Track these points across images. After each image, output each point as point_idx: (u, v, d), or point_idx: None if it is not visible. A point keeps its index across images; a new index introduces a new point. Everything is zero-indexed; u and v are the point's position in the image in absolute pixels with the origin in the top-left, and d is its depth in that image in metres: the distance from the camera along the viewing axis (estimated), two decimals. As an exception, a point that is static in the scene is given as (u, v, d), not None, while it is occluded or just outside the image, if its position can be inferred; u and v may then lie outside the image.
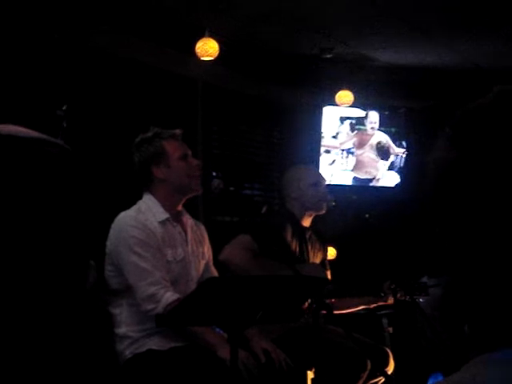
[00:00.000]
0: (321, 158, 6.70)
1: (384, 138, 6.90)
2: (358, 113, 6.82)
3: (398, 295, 4.29)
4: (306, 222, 4.39)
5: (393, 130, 6.94)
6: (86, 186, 1.18)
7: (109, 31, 5.12)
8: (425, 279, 4.36)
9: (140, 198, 3.62)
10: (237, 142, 6.60)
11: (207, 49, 5.02)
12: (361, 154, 6.85)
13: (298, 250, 4.26)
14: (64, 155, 1.16)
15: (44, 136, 1.15)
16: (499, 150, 0.84)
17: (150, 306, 3.33)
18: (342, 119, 6.79)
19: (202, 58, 5.09)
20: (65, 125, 3.63)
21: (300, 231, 4.32)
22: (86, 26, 4.92)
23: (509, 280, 0.83)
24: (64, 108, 3.82)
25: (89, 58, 4.99)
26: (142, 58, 5.42)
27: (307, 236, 4.37)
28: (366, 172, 6.85)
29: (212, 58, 5.09)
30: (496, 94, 0.91)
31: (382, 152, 6.86)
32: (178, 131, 3.64)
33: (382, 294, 4.33)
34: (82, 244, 1.15)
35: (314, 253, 4.39)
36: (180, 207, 3.64)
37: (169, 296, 3.32)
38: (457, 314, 0.91)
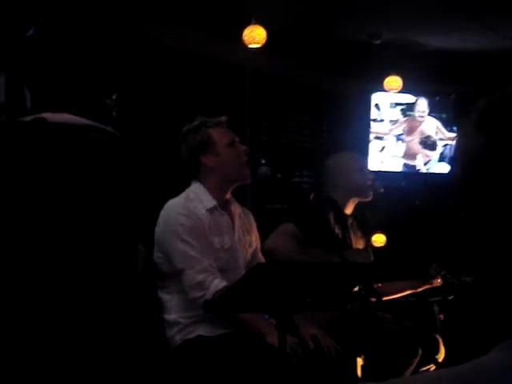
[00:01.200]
0: (370, 145, 6.66)
1: (434, 124, 6.83)
2: (408, 99, 6.76)
3: (447, 275, 4.24)
4: (349, 210, 4.36)
5: (443, 115, 6.87)
6: (136, 173, 1.19)
7: (156, 21, 5.15)
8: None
9: (188, 185, 3.63)
10: (285, 129, 6.60)
11: (254, 36, 5.02)
12: (411, 141, 6.79)
13: (340, 237, 4.24)
14: (113, 142, 1.17)
15: (93, 123, 1.17)
16: None
17: (198, 294, 3.34)
18: (392, 105, 6.74)
19: (249, 46, 5.09)
20: (115, 114, 3.66)
21: (342, 219, 4.29)
22: (135, 16, 4.96)
23: None
24: (114, 97, 3.85)
25: (137, 47, 5.03)
26: (189, 47, 5.44)
27: (349, 223, 4.35)
28: (418, 158, 6.79)
29: (259, 45, 5.09)
30: None
31: (428, 144, 6.79)
32: (223, 118, 3.64)
33: (429, 276, 4.28)
34: (131, 229, 1.16)
35: (356, 240, 4.37)
36: (228, 195, 3.64)
37: (217, 283, 3.33)
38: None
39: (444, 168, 6.78)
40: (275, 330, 3.13)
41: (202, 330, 3.42)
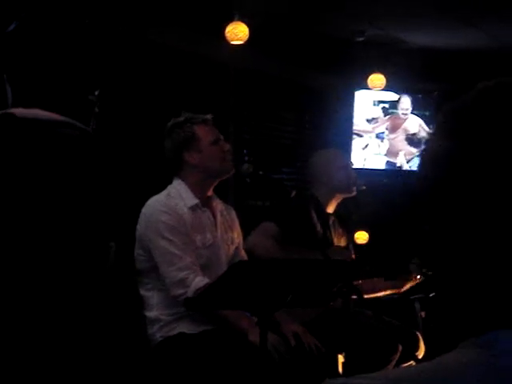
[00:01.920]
0: (353, 142, 6.68)
1: (417, 122, 6.85)
2: (391, 96, 6.78)
3: (427, 272, 4.24)
4: (331, 208, 4.37)
5: (427, 113, 6.90)
6: (108, 169, 1.18)
7: (139, 16, 5.13)
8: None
9: (170, 182, 3.63)
10: (268, 126, 6.61)
11: (237, 33, 5.02)
12: (393, 138, 6.82)
13: (322, 234, 4.24)
14: (84, 138, 1.16)
15: (64, 118, 1.16)
16: (501, 141, 0.83)
17: (179, 291, 3.34)
18: (376, 103, 6.76)
19: (231, 42, 5.09)
20: (97, 110, 3.65)
21: (323, 217, 4.29)
22: (117, 11, 4.94)
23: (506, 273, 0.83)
24: (96, 93, 3.84)
25: (119, 42, 5.01)
26: (172, 43, 5.44)
27: (330, 222, 4.35)
28: (400, 155, 6.82)
29: (242, 42, 5.08)
30: (496, 83, 0.89)
31: (414, 142, 6.82)
32: (209, 116, 3.64)
33: (409, 272, 4.27)
34: (101, 226, 1.15)
35: (337, 238, 4.37)
36: (210, 192, 3.64)
37: (198, 281, 3.33)
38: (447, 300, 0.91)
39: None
40: (257, 328, 3.15)
41: (183, 327, 3.42)
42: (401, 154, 6.82)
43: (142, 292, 3.53)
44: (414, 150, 6.83)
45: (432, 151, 0.89)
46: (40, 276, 1.09)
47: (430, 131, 0.97)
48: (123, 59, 5.04)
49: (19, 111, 1.14)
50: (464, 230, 0.84)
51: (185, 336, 3.41)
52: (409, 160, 6.83)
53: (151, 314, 3.49)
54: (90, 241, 1.13)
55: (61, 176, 1.10)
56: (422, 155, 0.92)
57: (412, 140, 6.83)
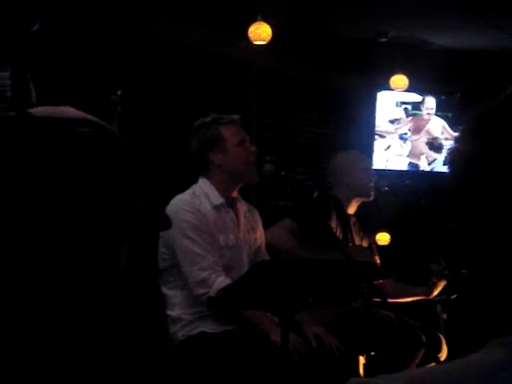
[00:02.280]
0: (375, 143, 6.66)
1: (440, 124, 6.82)
2: (414, 98, 6.75)
3: (449, 274, 4.23)
4: (351, 209, 4.36)
5: (449, 114, 6.86)
6: (130, 168, 1.18)
7: (162, 16, 5.15)
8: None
9: (196, 181, 3.63)
10: (290, 127, 6.60)
11: (260, 33, 5.02)
12: (416, 140, 6.79)
13: (342, 236, 4.24)
14: (105, 136, 1.16)
15: (84, 116, 1.16)
16: None
17: (201, 291, 3.35)
18: (398, 104, 6.73)
19: (254, 42, 5.09)
20: (120, 109, 3.67)
21: (344, 218, 4.29)
22: (140, 11, 4.95)
23: None
24: (119, 93, 3.86)
25: (143, 42, 5.03)
26: (196, 43, 5.45)
27: (351, 223, 4.34)
28: (422, 158, 6.79)
29: (265, 42, 5.08)
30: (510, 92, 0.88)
31: (435, 146, 6.78)
32: (236, 116, 3.64)
33: (435, 280, 4.26)
34: (118, 225, 1.15)
35: (358, 239, 4.36)
36: (235, 193, 3.64)
37: (221, 281, 3.33)
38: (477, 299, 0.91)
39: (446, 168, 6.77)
40: (279, 328, 3.15)
41: (205, 327, 3.43)
42: (422, 156, 6.79)
43: (165, 290, 3.54)
44: (435, 155, 6.79)
45: (458, 154, 0.89)
46: (53, 274, 1.09)
47: (456, 134, 0.97)
48: (146, 59, 5.06)
49: (38, 110, 1.14)
50: (490, 230, 0.84)
51: (206, 335, 3.41)
52: (431, 162, 6.80)
53: (173, 312, 3.50)
54: (104, 240, 1.13)
55: (79, 175, 1.10)
56: (449, 157, 0.92)
57: (433, 144, 6.79)
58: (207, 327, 3.43)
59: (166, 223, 1.26)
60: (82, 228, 1.06)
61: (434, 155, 6.80)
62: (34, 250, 1.05)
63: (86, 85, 4.44)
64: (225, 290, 3.05)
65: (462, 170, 0.88)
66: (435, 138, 6.80)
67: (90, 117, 1.14)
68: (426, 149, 6.80)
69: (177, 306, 3.50)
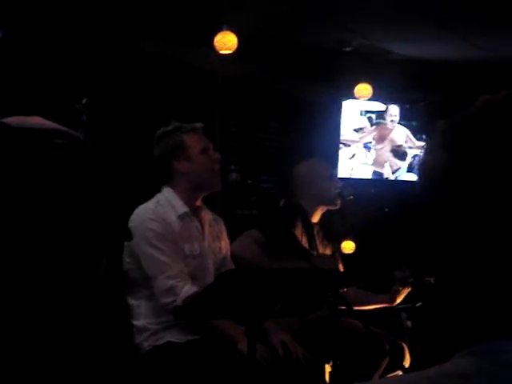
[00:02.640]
0: (340, 152, 6.69)
1: (404, 133, 6.87)
2: (378, 106, 6.80)
3: (414, 281, 4.25)
4: (315, 218, 4.36)
5: (413, 123, 6.92)
6: (104, 180, 1.18)
7: (127, 25, 5.13)
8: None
9: (158, 191, 3.62)
10: (255, 136, 6.61)
11: (226, 42, 5.02)
12: (380, 149, 6.83)
13: (307, 244, 4.24)
14: (80, 148, 1.16)
15: (59, 127, 1.15)
16: (498, 157, 0.84)
17: (168, 300, 3.34)
18: (362, 113, 6.77)
19: (220, 52, 5.09)
20: (85, 118, 3.65)
21: (308, 226, 4.29)
22: (105, 19, 4.94)
23: (503, 281, 0.83)
24: (84, 102, 3.84)
25: (107, 51, 5.01)
26: (161, 52, 5.44)
27: (315, 231, 4.35)
28: (386, 166, 6.84)
29: (231, 52, 5.09)
30: (484, 102, 0.90)
31: (399, 154, 6.84)
32: (198, 125, 3.64)
33: (398, 288, 4.28)
34: (96, 236, 1.15)
35: (322, 247, 4.37)
36: (199, 202, 3.64)
37: (187, 289, 3.33)
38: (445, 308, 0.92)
39: (413, 177, 6.83)
40: (245, 337, 3.15)
41: (171, 336, 3.42)
42: (386, 164, 6.84)
43: (130, 301, 3.52)
44: (400, 163, 6.85)
45: (430, 163, 0.90)
46: (28, 285, 1.09)
47: (420, 143, 0.99)
48: (111, 68, 5.04)
49: (12, 120, 1.13)
50: (463, 238, 0.85)
51: (172, 345, 3.40)
52: (395, 170, 6.85)
53: (139, 322, 3.48)
54: (83, 251, 1.13)
55: (55, 187, 1.10)
56: (419, 167, 0.93)
57: (397, 152, 6.85)
58: (173, 337, 3.42)
59: (128, 235, 1.27)
60: (59, 239, 1.06)
61: (398, 163, 6.85)
62: (14, 260, 1.04)
63: (50, 94, 4.41)
64: (191, 300, 3.05)
65: (435, 178, 0.89)
66: (399, 147, 6.85)
67: (62, 128, 1.14)
68: (390, 157, 6.85)
69: (142, 315, 3.48)
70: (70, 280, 1.11)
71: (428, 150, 0.92)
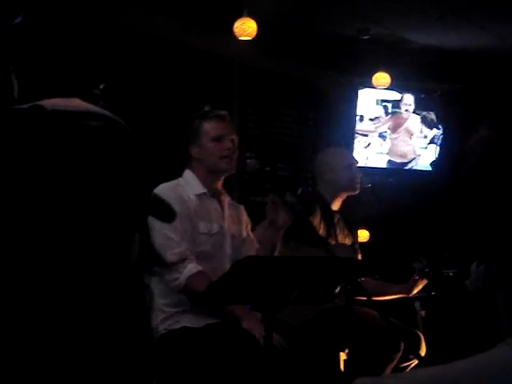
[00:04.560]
0: (355, 141, 6.68)
1: (418, 122, 6.86)
2: (394, 96, 6.78)
3: (430, 272, 4.26)
4: (336, 206, 4.37)
5: (429, 112, 6.89)
6: (138, 161, 1.18)
7: (147, 11, 5.13)
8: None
9: (179, 175, 3.67)
10: (272, 123, 6.60)
11: (245, 28, 5.01)
12: (395, 138, 6.81)
13: (326, 233, 4.24)
14: (115, 129, 1.16)
15: (96, 109, 1.16)
16: None
17: (172, 276, 3.37)
18: (378, 102, 6.75)
19: (239, 38, 5.08)
20: (102, 104, 3.65)
21: (329, 215, 4.30)
22: (125, 6, 4.93)
23: None
24: (101, 87, 3.84)
25: (126, 37, 5.01)
26: (180, 38, 5.44)
27: (335, 220, 4.35)
28: (401, 155, 6.82)
29: (250, 38, 5.07)
30: None
31: (427, 122, 6.81)
32: (221, 112, 3.67)
33: (416, 278, 4.29)
34: (130, 218, 1.16)
35: (342, 237, 4.37)
36: (219, 186, 3.66)
37: (192, 267, 3.36)
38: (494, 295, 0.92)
39: (430, 157, 6.83)
40: (251, 315, 3.18)
41: (187, 321, 3.42)
42: (402, 153, 6.82)
43: (147, 281, 3.53)
44: (417, 151, 6.84)
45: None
46: (64, 267, 1.09)
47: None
48: (129, 53, 5.04)
49: (50, 102, 1.14)
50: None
51: (188, 330, 3.41)
52: (410, 160, 6.84)
53: (153, 304, 3.50)
54: (119, 233, 1.13)
55: (91, 168, 1.10)
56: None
57: (425, 120, 6.82)
58: (189, 322, 3.43)
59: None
60: (96, 220, 1.06)
61: (412, 153, 6.84)
62: (47, 241, 1.05)
63: (67, 79, 4.41)
64: (209, 286, 3.05)
65: (481, 154, 0.93)
66: (413, 136, 6.83)
67: (100, 110, 1.14)
68: (404, 146, 6.83)
69: (156, 295, 3.50)
70: (107, 258, 1.12)
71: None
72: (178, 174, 3.68)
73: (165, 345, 3.43)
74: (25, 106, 1.16)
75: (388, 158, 6.80)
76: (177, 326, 3.43)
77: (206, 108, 3.66)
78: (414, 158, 6.84)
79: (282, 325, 3.47)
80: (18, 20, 3.96)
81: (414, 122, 6.85)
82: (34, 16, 4.18)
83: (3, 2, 3.89)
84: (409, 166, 6.82)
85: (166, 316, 3.46)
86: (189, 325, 3.42)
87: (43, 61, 4.32)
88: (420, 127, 6.86)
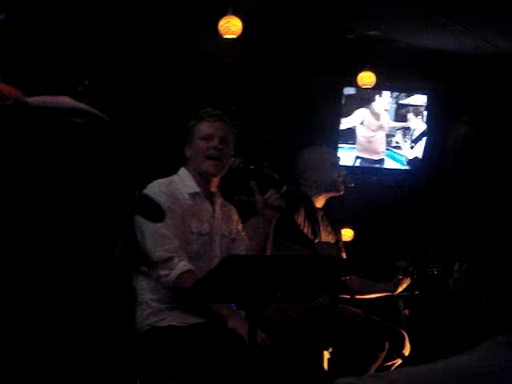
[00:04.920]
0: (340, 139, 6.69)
1: (399, 123, 6.88)
2: (377, 95, 6.79)
3: (413, 271, 4.27)
4: (319, 203, 4.37)
5: (413, 111, 6.93)
6: (123, 157, 1.17)
7: (131, 7, 5.11)
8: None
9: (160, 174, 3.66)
10: (256, 122, 6.59)
11: (230, 27, 5.00)
12: (372, 136, 6.82)
13: (310, 231, 4.24)
14: (92, 125, 1.15)
15: (80, 106, 1.15)
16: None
17: (163, 272, 3.36)
18: (363, 101, 6.76)
19: (224, 36, 5.06)
20: (86, 101, 3.63)
21: (312, 212, 4.30)
22: (108, 2, 4.91)
23: None
24: (86, 84, 3.83)
25: (110, 33, 4.99)
26: (163, 35, 5.41)
27: (319, 217, 4.35)
28: (379, 153, 6.83)
29: (235, 36, 5.06)
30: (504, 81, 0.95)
31: (392, 142, 6.85)
32: (215, 112, 3.69)
33: (401, 277, 4.30)
34: (116, 215, 1.15)
35: (326, 234, 4.37)
36: (213, 188, 3.66)
37: (183, 265, 3.35)
38: (477, 296, 0.92)
39: (400, 165, 6.86)
40: (237, 315, 3.20)
41: (173, 319, 3.41)
42: (381, 152, 6.84)
43: (135, 276, 3.53)
44: (395, 150, 6.86)
45: (454, 136, 0.95)
46: (50, 267, 1.08)
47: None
48: (113, 50, 5.02)
49: (34, 99, 1.13)
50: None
51: (173, 329, 3.40)
52: (382, 159, 6.86)
53: (140, 298, 3.49)
54: (104, 230, 1.12)
55: (75, 165, 1.09)
56: (451, 139, 0.99)
57: (389, 139, 6.85)
58: (174, 320, 3.42)
59: (161, 215, 1.26)
60: (81, 217, 1.05)
61: (394, 149, 6.86)
62: (32, 241, 1.04)
63: (51, 76, 4.39)
64: (194, 283, 3.05)
65: (459, 153, 0.94)
66: (391, 135, 6.86)
67: (86, 107, 1.13)
68: (382, 145, 6.84)
69: (143, 290, 3.49)
70: (89, 259, 1.11)
71: (453, 130, 0.97)
72: (168, 174, 3.68)
73: (149, 341, 3.42)
74: (9, 102, 1.15)
75: (366, 156, 6.81)
76: (162, 324, 3.42)
77: (206, 110, 3.68)
78: (392, 156, 6.86)
79: (266, 323, 3.47)
80: (1, 17, 3.93)
81: (387, 118, 6.87)
82: (18, 13, 4.15)
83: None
84: (385, 165, 6.84)
85: (152, 311, 3.44)
86: (174, 323, 3.41)
87: (27, 58, 4.29)
88: (399, 126, 6.89)
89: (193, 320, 3.40)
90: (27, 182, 1.04)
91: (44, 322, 1.09)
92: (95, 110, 1.17)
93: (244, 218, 4.09)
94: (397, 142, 6.88)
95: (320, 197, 4.36)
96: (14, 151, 1.07)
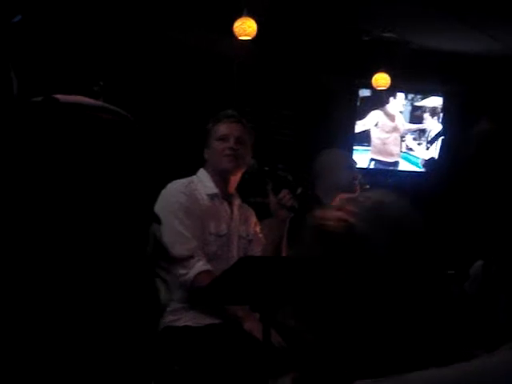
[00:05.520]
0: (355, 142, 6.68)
1: (404, 123, 6.87)
2: (393, 97, 6.78)
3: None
4: None
5: (428, 114, 6.91)
6: (149, 156, 1.18)
7: (147, 9, 5.12)
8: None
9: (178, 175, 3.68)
10: (270, 123, 6.59)
11: (245, 28, 5.00)
12: (387, 138, 6.81)
13: None
14: (126, 124, 1.16)
15: (105, 104, 1.16)
16: None
17: (181, 271, 3.36)
18: (378, 103, 6.75)
19: (239, 38, 5.06)
20: (102, 100, 3.64)
21: None
22: (124, 4, 4.93)
23: None
24: (101, 84, 3.83)
25: (125, 34, 5.00)
26: (178, 36, 5.42)
27: None
28: (393, 155, 6.82)
29: (250, 38, 5.06)
30: None
31: (406, 145, 6.83)
32: (231, 113, 3.71)
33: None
34: (144, 212, 1.15)
35: None
36: (231, 189, 3.66)
37: (201, 265, 3.36)
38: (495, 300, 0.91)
39: (428, 153, 6.84)
40: (252, 317, 3.19)
41: (189, 320, 3.41)
42: (396, 154, 6.82)
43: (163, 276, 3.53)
44: (410, 151, 6.84)
45: (477, 134, 0.95)
46: (81, 262, 1.09)
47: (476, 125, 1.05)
48: (128, 51, 5.03)
49: (62, 97, 1.14)
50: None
51: (189, 329, 3.40)
52: (396, 162, 6.85)
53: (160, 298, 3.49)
54: (133, 227, 1.13)
55: (104, 161, 1.10)
56: (471, 138, 0.99)
57: (404, 140, 6.83)
58: (191, 320, 3.42)
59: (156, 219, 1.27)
60: (111, 213, 1.06)
61: (406, 153, 6.86)
62: (61, 232, 1.04)
63: (67, 76, 4.40)
64: (209, 284, 3.05)
65: (481, 145, 0.94)
66: (405, 136, 6.85)
67: (109, 105, 1.14)
68: (396, 147, 6.83)
69: (160, 290, 3.48)
70: (118, 250, 1.11)
71: (476, 125, 0.97)
72: (186, 174, 3.70)
73: (165, 340, 3.42)
74: (38, 99, 1.16)
75: (381, 158, 6.79)
76: (178, 324, 3.42)
77: (224, 111, 3.70)
78: (406, 158, 6.85)
79: (282, 326, 3.46)
80: (17, 18, 3.95)
81: (402, 121, 6.86)
82: (34, 14, 4.17)
83: (3, 1, 3.88)
84: (400, 168, 6.82)
85: (170, 310, 3.44)
86: (190, 323, 3.41)
87: (42, 58, 4.31)
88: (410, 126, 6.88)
89: (208, 321, 3.40)
90: (58, 174, 1.05)
91: (63, 317, 1.09)
92: (118, 109, 1.18)
93: (259, 220, 4.09)
94: (407, 146, 6.87)
95: (334, 200, 4.35)
96: (46, 145, 1.08)
